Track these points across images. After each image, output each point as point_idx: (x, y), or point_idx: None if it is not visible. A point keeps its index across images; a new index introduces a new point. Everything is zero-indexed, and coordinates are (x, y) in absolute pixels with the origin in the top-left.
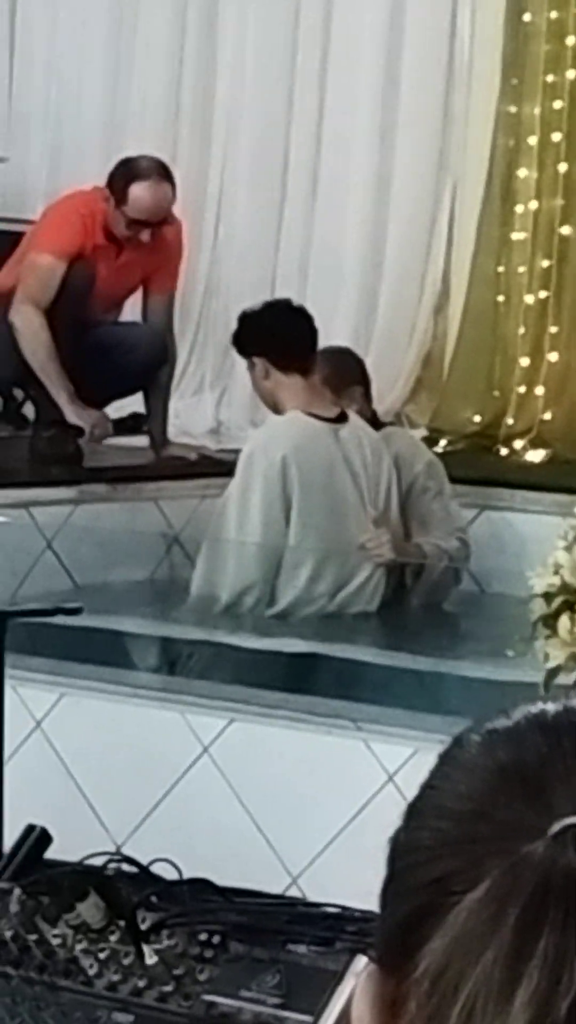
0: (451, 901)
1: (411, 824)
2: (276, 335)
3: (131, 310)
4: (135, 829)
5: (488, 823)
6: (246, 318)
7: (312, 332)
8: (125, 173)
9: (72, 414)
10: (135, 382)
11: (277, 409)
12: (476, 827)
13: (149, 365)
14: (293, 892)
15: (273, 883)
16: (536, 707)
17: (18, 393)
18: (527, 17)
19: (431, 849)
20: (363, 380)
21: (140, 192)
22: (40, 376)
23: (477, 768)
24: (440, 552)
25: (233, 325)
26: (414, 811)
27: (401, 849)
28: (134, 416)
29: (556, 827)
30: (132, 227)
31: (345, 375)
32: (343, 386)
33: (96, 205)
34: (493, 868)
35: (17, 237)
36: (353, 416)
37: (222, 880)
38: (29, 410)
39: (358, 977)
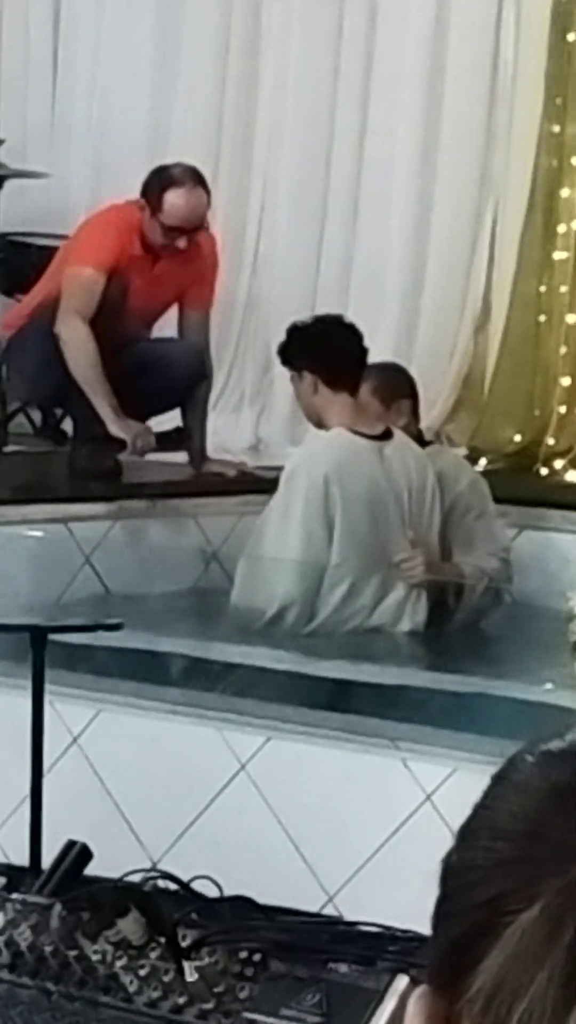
0: (505, 920)
1: (464, 845)
2: (328, 350)
3: (168, 326)
4: (171, 846)
5: (543, 843)
6: (296, 331)
7: (362, 350)
8: (159, 181)
9: (115, 426)
10: (172, 399)
11: (321, 424)
12: (531, 847)
13: (186, 382)
14: (329, 910)
15: (309, 901)
16: None
17: (57, 409)
18: (571, 37)
19: (485, 869)
20: (412, 395)
21: (175, 199)
22: (84, 388)
23: (531, 789)
24: (480, 573)
25: (273, 342)
26: (467, 832)
27: (454, 869)
28: (178, 430)
29: None
30: (168, 235)
31: (395, 388)
32: (392, 399)
33: (132, 216)
34: (548, 888)
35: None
36: (398, 433)
37: (258, 898)
38: (68, 425)
39: (408, 997)
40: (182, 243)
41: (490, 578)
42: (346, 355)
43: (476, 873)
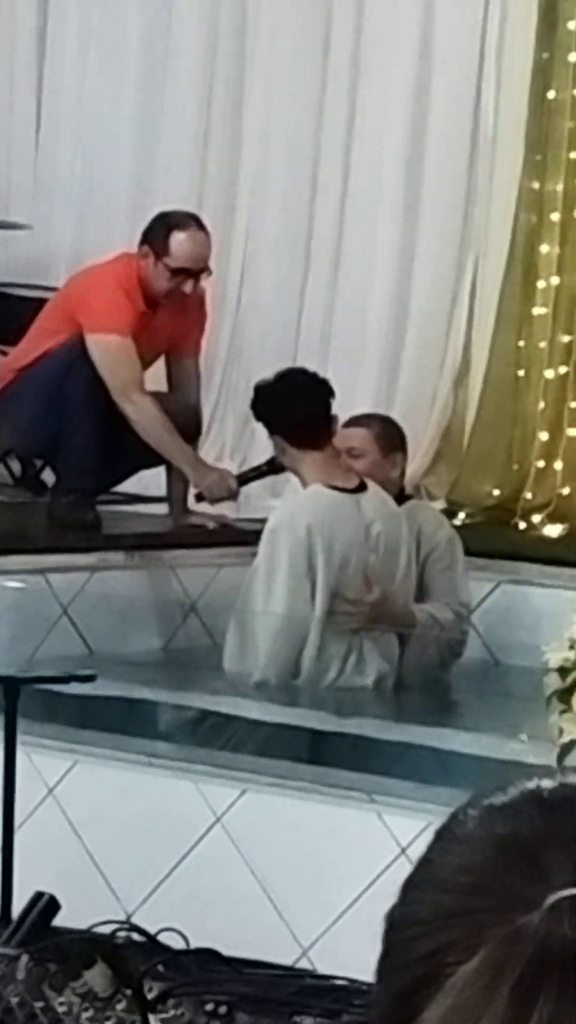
0: (447, 972)
1: (408, 898)
2: (289, 412)
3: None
4: (146, 898)
5: (486, 895)
6: (260, 390)
7: (327, 403)
8: (164, 224)
9: (196, 477)
10: (161, 455)
11: (301, 481)
12: (474, 899)
13: (182, 437)
14: (304, 964)
15: (284, 954)
16: (533, 783)
17: (38, 460)
18: (551, 94)
19: (429, 922)
20: (404, 450)
21: (182, 240)
22: (166, 455)
23: (475, 841)
24: (432, 620)
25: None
26: (411, 885)
27: (398, 923)
28: (270, 462)
29: (552, 899)
30: (174, 278)
31: (393, 440)
32: (391, 450)
33: (132, 271)
34: (491, 938)
35: (42, 304)
36: (372, 485)
37: (233, 951)
38: (47, 475)
39: None
40: (188, 287)
41: (442, 627)
42: (308, 415)
43: (419, 927)
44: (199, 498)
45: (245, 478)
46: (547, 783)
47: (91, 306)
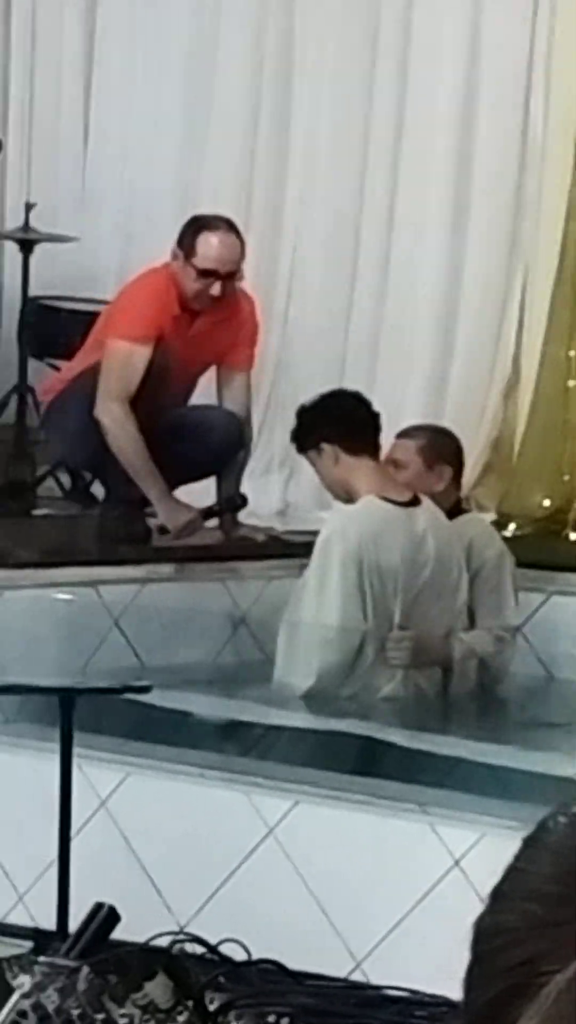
0: (540, 981)
1: (497, 907)
2: (342, 419)
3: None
4: (199, 910)
5: (575, 905)
6: (306, 411)
7: (373, 415)
8: (195, 226)
9: (164, 513)
10: (209, 467)
11: (350, 497)
12: (565, 909)
13: (224, 451)
14: (357, 976)
15: (337, 966)
16: None
17: (88, 472)
18: None
19: (519, 931)
20: (456, 462)
21: (209, 240)
22: (130, 473)
23: (565, 851)
24: (470, 654)
25: None
26: (499, 894)
27: (486, 932)
28: (231, 498)
29: None
30: (202, 279)
31: (440, 452)
32: (436, 462)
33: (167, 275)
34: None
35: (90, 317)
36: (425, 500)
37: (286, 962)
38: (97, 488)
39: None
40: (215, 289)
41: (480, 659)
42: (359, 420)
43: (509, 935)
44: (161, 530)
45: (210, 513)
46: None
47: (115, 314)
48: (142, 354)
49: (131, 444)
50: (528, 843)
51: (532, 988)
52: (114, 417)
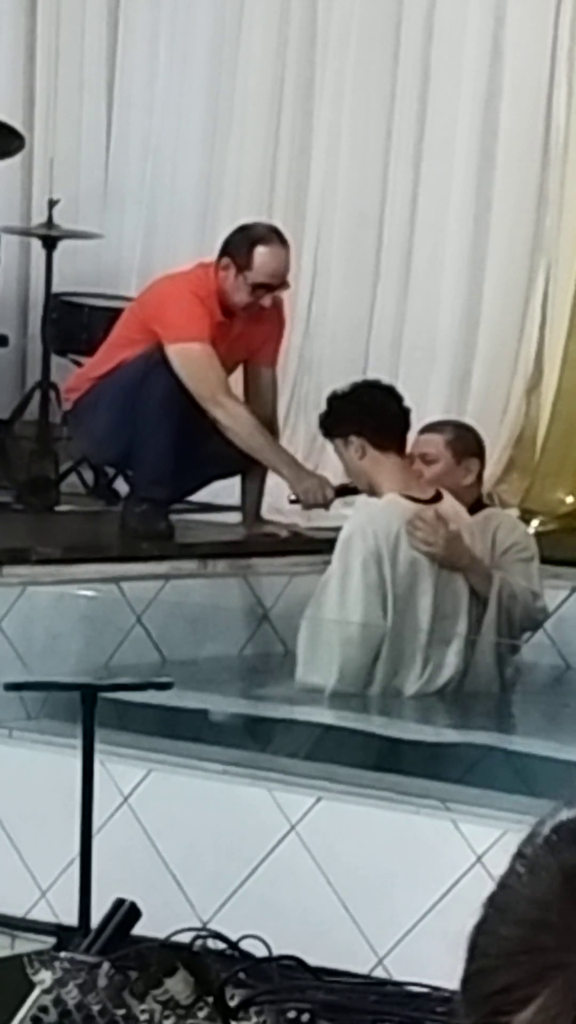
0: (512, 1010)
1: (484, 925)
2: (372, 413)
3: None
4: (221, 906)
5: (548, 932)
6: (337, 399)
7: (404, 410)
8: (247, 238)
9: (295, 482)
10: (237, 465)
11: (373, 490)
12: (536, 936)
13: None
14: (379, 972)
15: (359, 962)
16: None
17: (111, 468)
18: None
19: (497, 958)
20: (480, 457)
21: (265, 254)
22: (262, 460)
23: (542, 870)
24: (508, 586)
25: (325, 404)
26: (490, 908)
27: (474, 952)
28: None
29: None
30: (255, 292)
31: (468, 446)
32: (464, 456)
33: (209, 282)
34: (550, 980)
35: (113, 313)
36: (447, 496)
37: (308, 958)
38: (120, 485)
39: None
40: (267, 301)
41: (514, 595)
42: (390, 415)
43: (488, 961)
44: (293, 502)
45: (344, 490)
46: None
47: (169, 316)
48: (211, 351)
49: (254, 431)
50: (516, 855)
51: (508, 1016)
52: (228, 410)
